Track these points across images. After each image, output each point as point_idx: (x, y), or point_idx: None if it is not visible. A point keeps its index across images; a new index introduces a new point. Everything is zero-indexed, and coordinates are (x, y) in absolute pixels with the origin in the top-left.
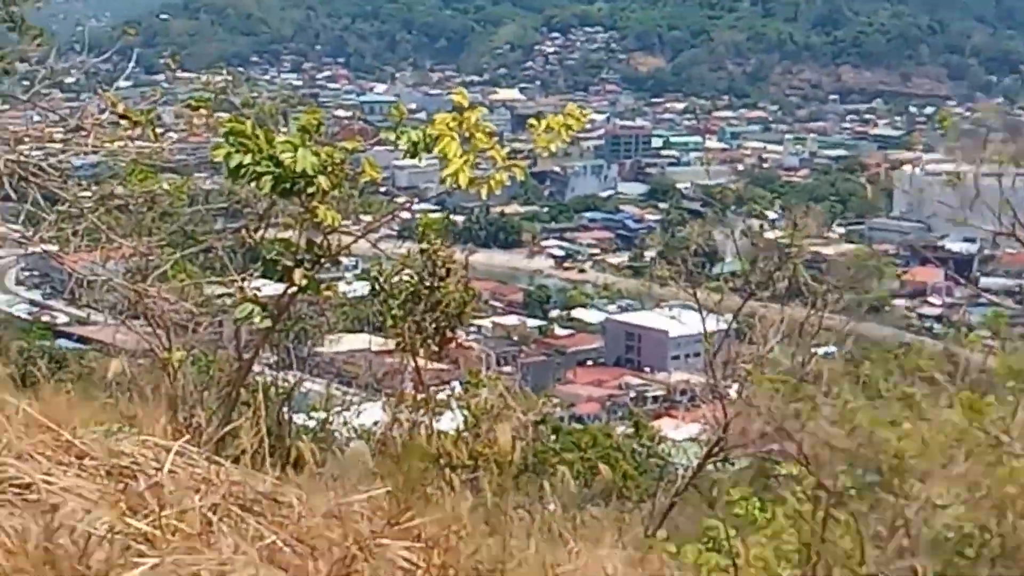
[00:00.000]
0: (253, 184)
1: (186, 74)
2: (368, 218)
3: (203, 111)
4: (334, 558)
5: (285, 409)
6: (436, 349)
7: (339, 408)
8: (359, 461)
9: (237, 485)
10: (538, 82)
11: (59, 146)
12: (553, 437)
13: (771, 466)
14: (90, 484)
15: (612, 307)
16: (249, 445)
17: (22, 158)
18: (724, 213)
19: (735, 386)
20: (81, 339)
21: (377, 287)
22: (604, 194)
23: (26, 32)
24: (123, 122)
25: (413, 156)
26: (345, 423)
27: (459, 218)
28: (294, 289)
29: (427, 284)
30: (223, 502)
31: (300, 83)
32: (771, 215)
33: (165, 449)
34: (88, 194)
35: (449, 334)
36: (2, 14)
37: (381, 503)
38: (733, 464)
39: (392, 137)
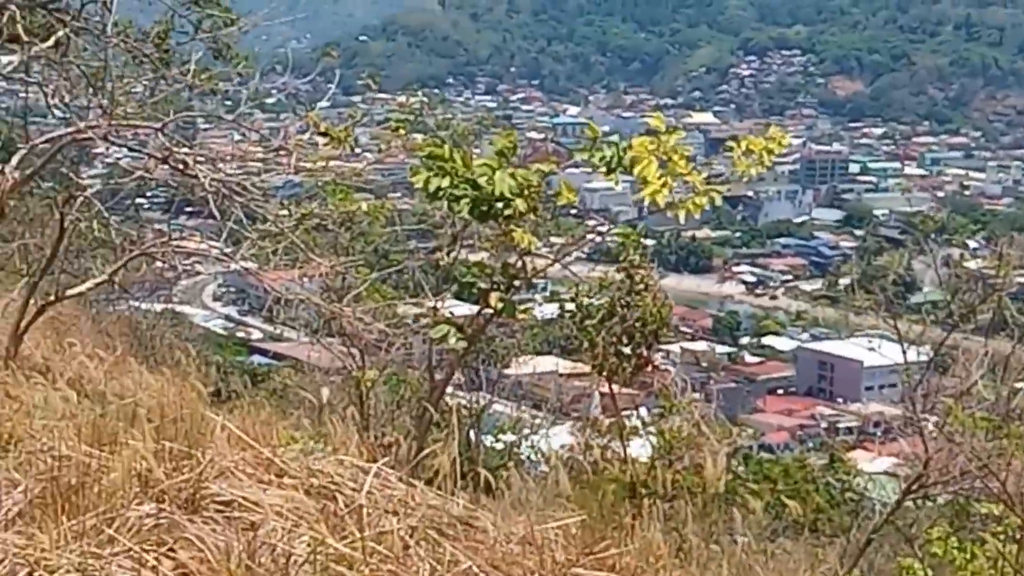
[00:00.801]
0: (451, 207)
1: (383, 95)
2: (559, 240)
3: (402, 131)
4: None
5: (473, 431)
6: (632, 372)
7: (528, 431)
8: (553, 487)
9: (433, 508)
10: (733, 105)
11: (260, 165)
12: (742, 467)
13: (972, 505)
14: (290, 503)
15: (804, 335)
16: (443, 467)
17: (226, 177)
18: (924, 241)
19: (933, 420)
20: (275, 356)
21: (573, 308)
22: (798, 220)
23: (231, 60)
24: (322, 141)
25: (608, 173)
26: (532, 446)
27: (650, 242)
28: (489, 311)
29: (624, 301)
30: (420, 525)
31: (494, 105)
32: (972, 244)
33: (362, 470)
34: (286, 213)
35: (645, 356)
36: (208, 41)
37: (575, 531)
38: (933, 501)
39: (586, 156)
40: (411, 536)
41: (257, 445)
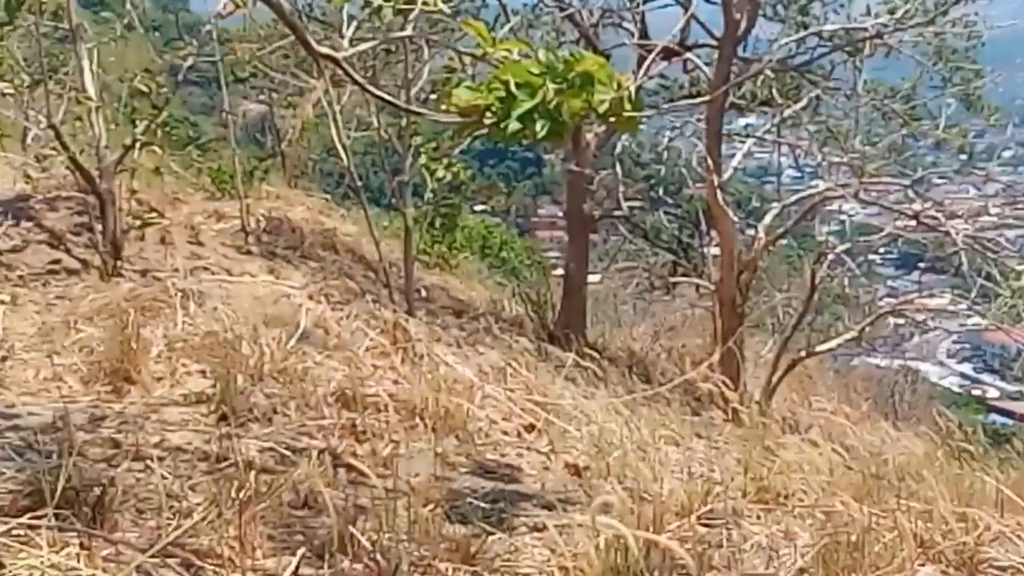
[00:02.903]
0: None
1: None
2: None
3: None
4: None
5: None
6: None
7: None
8: None
9: None
10: None
11: (1000, 220)
12: None
13: None
14: None
15: None
16: None
17: (978, 233)
18: None
19: None
20: (1020, 416)
21: None
22: None
23: (982, 111)
24: None
25: None
26: None
27: None
28: None
29: None
30: None
31: None
32: None
33: None
34: None
35: None
36: (959, 95)
37: None
38: None
39: None
40: None
41: None
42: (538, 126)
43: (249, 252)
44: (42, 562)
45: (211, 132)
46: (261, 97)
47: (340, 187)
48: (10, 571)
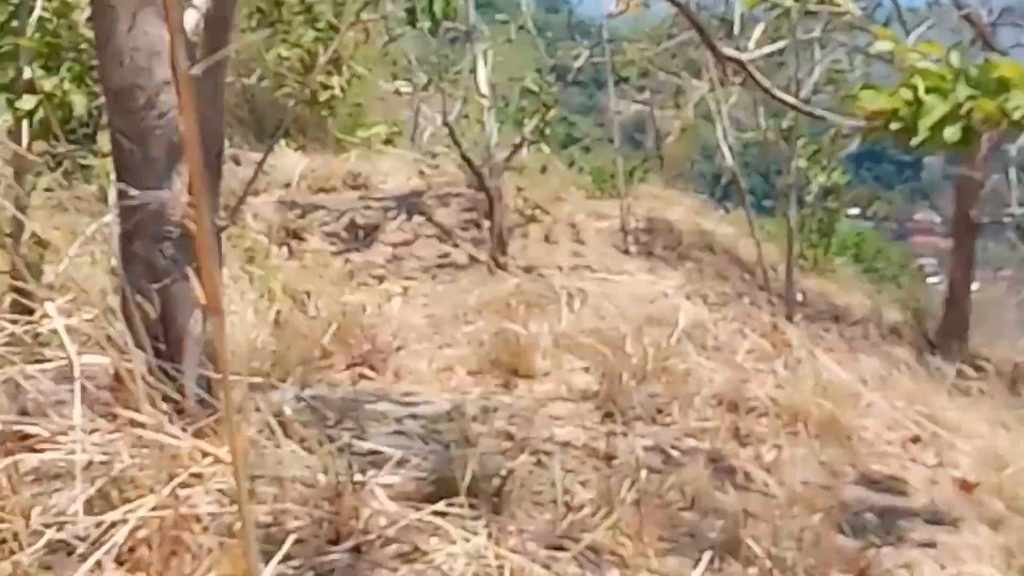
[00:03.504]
0: None
1: None
2: None
3: None
4: None
5: None
6: None
7: None
8: None
9: None
10: None
11: None
12: None
13: None
14: None
15: None
16: None
17: None
18: None
19: None
20: None
21: None
22: None
23: None
24: None
25: None
26: None
27: None
28: None
29: None
30: None
31: None
32: None
33: None
34: None
35: None
36: None
37: None
38: None
39: None
40: None
41: None
42: (947, 132)
43: (627, 251)
44: (457, 549)
45: (589, 131)
46: (639, 97)
47: (715, 188)
48: (430, 557)
